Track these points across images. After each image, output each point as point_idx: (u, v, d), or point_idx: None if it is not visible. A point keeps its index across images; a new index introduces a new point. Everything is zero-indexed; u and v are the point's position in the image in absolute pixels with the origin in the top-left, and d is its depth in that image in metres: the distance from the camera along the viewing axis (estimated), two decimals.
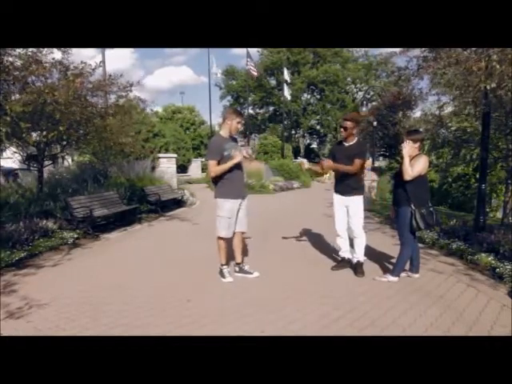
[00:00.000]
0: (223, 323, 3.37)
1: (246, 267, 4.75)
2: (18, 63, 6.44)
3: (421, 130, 7.60)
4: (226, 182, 4.43)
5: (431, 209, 4.38)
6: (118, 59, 68.42)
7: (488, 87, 5.36)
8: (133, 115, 9.67)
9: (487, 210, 8.60)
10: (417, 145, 4.40)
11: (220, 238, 4.56)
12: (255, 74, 27.96)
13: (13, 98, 6.68)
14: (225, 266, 4.63)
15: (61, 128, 7.09)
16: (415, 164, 4.29)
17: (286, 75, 30.42)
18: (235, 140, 4.69)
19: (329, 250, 6.13)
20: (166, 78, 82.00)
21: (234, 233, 4.59)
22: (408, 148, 4.31)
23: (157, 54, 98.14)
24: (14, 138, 7.63)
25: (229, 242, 4.64)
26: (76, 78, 7.30)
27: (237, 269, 4.73)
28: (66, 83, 7.05)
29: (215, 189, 4.55)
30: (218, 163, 4.39)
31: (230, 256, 4.77)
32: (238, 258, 4.73)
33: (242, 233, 4.72)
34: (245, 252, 4.69)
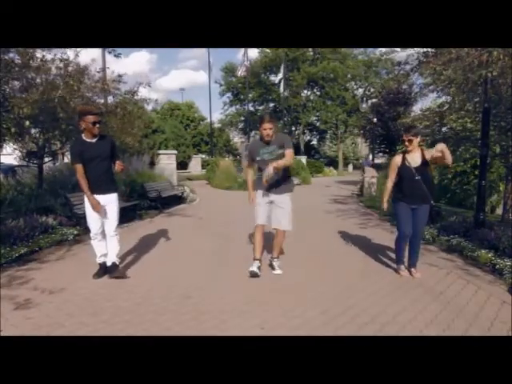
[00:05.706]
0: (223, 319, 3.38)
1: (275, 263, 4.86)
2: (19, 60, 6.43)
3: (420, 126, 7.60)
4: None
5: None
6: (137, 63, 69.69)
7: (490, 75, 5.36)
8: (133, 113, 9.62)
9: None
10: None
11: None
12: (244, 73, 28.44)
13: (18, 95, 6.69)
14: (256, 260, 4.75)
15: (63, 126, 7.09)
16: None
17: (282, 72, 30.67)
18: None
19: (329, 246, 6.15)
20: (182, 80, 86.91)
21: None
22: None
23: (174, 58, 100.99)
24: (16, 135, 7.64)
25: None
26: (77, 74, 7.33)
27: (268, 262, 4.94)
28: (68, 79, 7.07)
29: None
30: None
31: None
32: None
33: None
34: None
